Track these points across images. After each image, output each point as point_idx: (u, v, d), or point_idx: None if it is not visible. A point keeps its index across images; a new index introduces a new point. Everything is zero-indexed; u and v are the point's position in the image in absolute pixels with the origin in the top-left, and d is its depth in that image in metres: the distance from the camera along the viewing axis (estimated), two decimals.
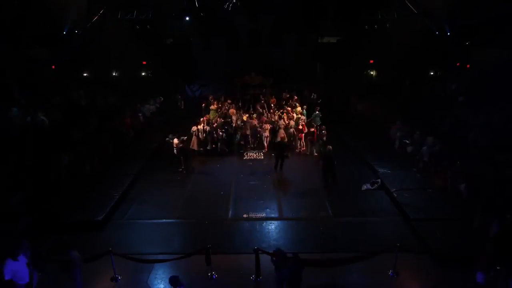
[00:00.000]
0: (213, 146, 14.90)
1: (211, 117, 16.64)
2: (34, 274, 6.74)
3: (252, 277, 7.58)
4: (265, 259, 7.55)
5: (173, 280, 6.13)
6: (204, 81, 23.88)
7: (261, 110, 17.48)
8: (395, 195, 10.72)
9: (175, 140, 13.24)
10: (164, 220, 10.02)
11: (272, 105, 18.38)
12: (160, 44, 23.78)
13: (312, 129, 14.85)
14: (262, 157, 14.67)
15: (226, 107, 17.63)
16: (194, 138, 14.62)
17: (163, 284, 7.49)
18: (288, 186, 12.19)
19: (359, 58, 21.73)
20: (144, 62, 23.67)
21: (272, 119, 15.99)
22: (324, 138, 14.11)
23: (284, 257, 6.68)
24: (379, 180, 11.84)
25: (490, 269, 6.51)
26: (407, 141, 13.76)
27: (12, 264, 6.40)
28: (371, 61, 23.38)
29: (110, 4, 20.30)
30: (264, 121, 15.67)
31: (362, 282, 7.46)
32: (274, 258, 6.93)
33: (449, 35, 19.08)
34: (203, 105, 18.49)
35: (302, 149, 15.14)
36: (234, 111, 17.09)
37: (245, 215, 10.25)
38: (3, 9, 15.57)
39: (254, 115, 16.39)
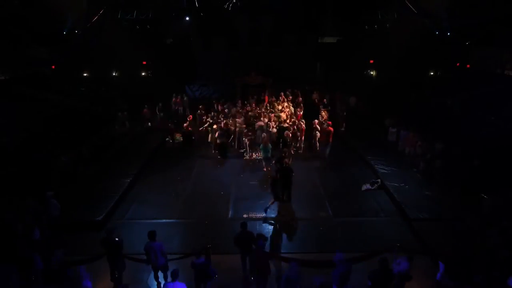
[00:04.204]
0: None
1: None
2: None
3: (253, 277, 7.57)
4: None
5: (151, 234, 7.14)
6: (204, 81, 23.86)
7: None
8: (395, 195, 10.73)
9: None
10: (164, 220, 10.03)
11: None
12: (160, 44, 23.78)
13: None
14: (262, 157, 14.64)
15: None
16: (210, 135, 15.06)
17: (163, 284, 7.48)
18: None
19: (359, 58, 21.72)
20: (144, 62, 23.68)
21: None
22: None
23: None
24: (379, 180, 11.84)
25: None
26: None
27: None
28: (371, 61, 23.38)
29: (110, 4, 20.30)
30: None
31: (362, 282, 7.44)
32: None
33: (449, 35, 19.10)
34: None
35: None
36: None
37: (245, 215, 10.25)
38: (3, 9, 15.58)
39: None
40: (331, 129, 14.16)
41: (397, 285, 6.80)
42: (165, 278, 7.49)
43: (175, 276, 6.40)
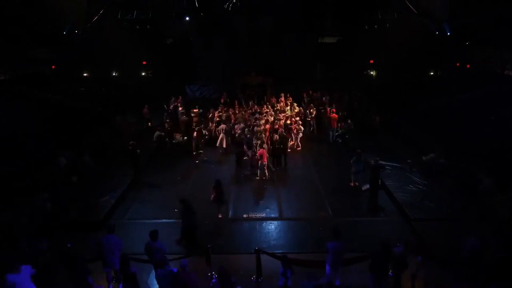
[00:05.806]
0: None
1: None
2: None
3: (253, 277, 7.57)
4: (266, 259, 7.55)
5: (153, 234, 7.16)
6: (204, 81, 23.87)
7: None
8: (395, 195, 10.73)
9: None
10: (164, 220, 10.01)
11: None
12: (160, 44, 23.78)
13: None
14: None
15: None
16: (222, 136, 14.66)
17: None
18: (288, 186, 12.18)
19: (359, 58, 21.72)
20: (144, 62, 23.69)
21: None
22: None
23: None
24: (379, 180, 11.81)
25: None
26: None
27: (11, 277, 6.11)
28: (371, 61, 23.39)
29: (110, 4, 20.31)
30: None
31: (362, 282, 7.44)
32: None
33: (449, 35, 19.10)
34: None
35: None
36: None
37: (245, 215, 10.25)
38: (3, 9, 15.59)
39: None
40: (336, 115, 15.79)
41: (394, 269, 7.00)
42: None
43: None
